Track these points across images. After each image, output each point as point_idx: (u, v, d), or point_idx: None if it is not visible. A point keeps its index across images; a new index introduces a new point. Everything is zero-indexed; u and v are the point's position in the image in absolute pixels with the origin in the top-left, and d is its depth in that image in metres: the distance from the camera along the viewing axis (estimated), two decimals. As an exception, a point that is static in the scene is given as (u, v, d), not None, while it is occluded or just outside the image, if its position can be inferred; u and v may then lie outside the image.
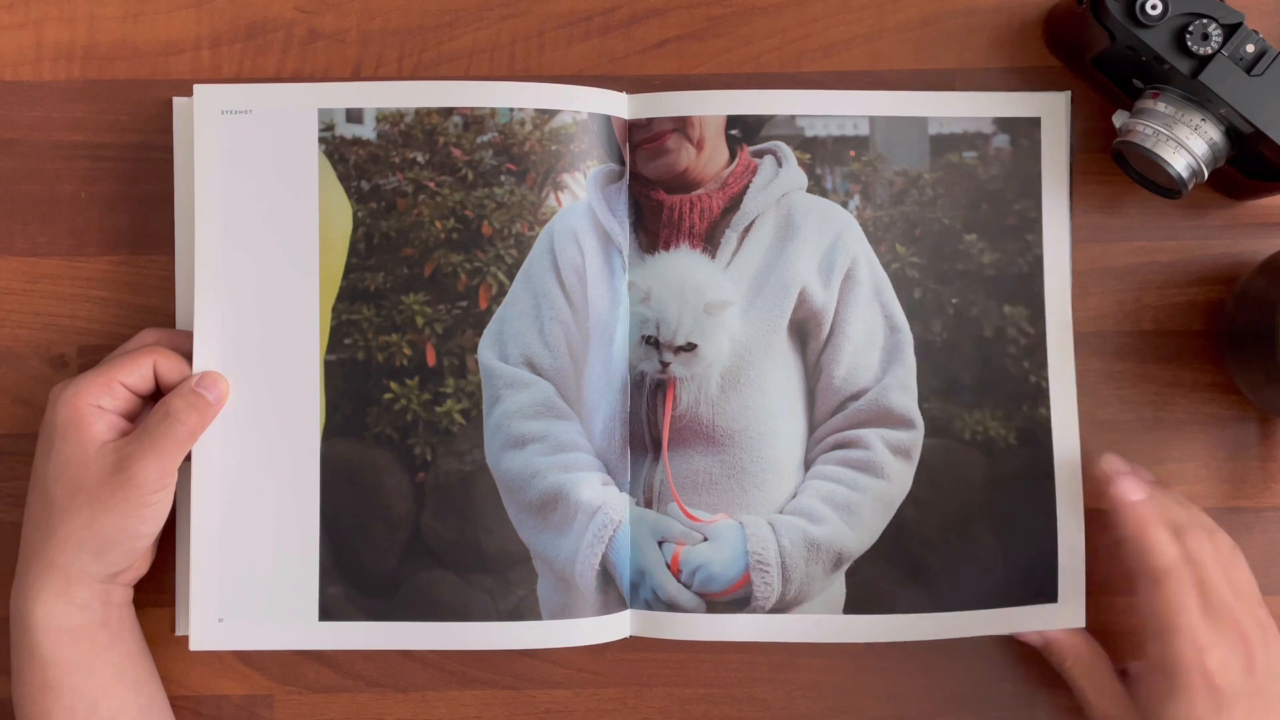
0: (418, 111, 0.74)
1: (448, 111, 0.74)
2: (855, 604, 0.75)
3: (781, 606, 0.75)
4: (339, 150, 0.75)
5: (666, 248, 0.75)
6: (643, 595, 0.75)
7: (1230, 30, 0.69)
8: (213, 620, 0.74)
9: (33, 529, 0.70)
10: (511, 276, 0.74)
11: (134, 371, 0.71)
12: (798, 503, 0.75)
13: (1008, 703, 0.77)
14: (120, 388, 0.71)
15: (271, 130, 0.75)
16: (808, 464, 0.75)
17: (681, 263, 0.75)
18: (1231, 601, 0.68)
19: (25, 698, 0.70)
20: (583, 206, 0.75)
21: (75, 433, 0.69)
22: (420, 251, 0.75)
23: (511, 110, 0.74)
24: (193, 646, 0.74)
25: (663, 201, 0.75)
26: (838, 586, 0.75)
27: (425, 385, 0.75)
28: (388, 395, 0.75)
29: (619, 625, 0.76)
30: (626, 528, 0.75)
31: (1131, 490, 0.70)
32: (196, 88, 0.74)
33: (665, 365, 0.75)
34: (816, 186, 0.76)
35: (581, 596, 0.74)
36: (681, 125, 0.75)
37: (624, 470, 0.75)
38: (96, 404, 0.70)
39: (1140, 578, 0.69)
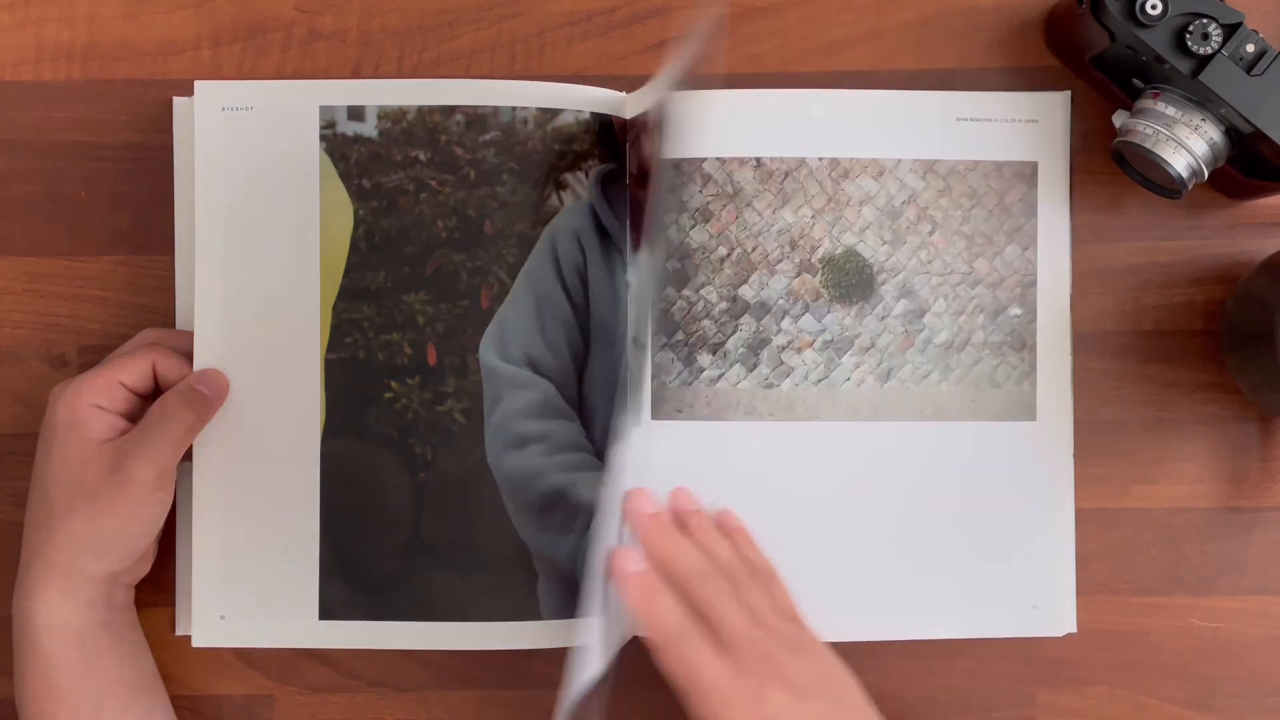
0: (420, 109, 0.74)
1: (450, 110, 0.74)
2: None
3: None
4: (340, 148, 0.75)
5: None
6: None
7: (1230, 30, 0.69)
8: (215, 617, 0.74)
9: (33, 529, 0.70)
10: (513, 276, 0.74)
11: (134, 371, 0.71)
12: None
13: (1008, 703, 0.77)
14: (120, 387, 0.71)
15: (272, 127, 0.74)
16: None
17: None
18: (748, 631, 0.67)
19: (28, 698, 0.70)
20: (584, 206, 0.75)
21: (75, 433, 0.69)
22: (421, 250, 0.75)
23: (514, 109, 0.74)
24: (195, 643, 0.74)
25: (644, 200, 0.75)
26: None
27: (426, 384, 0.75)
28: (388, 394, 0.75)
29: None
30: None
31: (630, 563, 0.69)
32: (198, 84, 0.74)
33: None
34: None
35: (582, 596, 0.74)
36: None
37: (624, 470, 0.76)
38: (96, 404, 0.70)
39: (651, 646, 0.68)
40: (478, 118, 0.74)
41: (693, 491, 0.74)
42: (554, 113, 0.74)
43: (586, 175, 0.75)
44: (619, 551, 0.70)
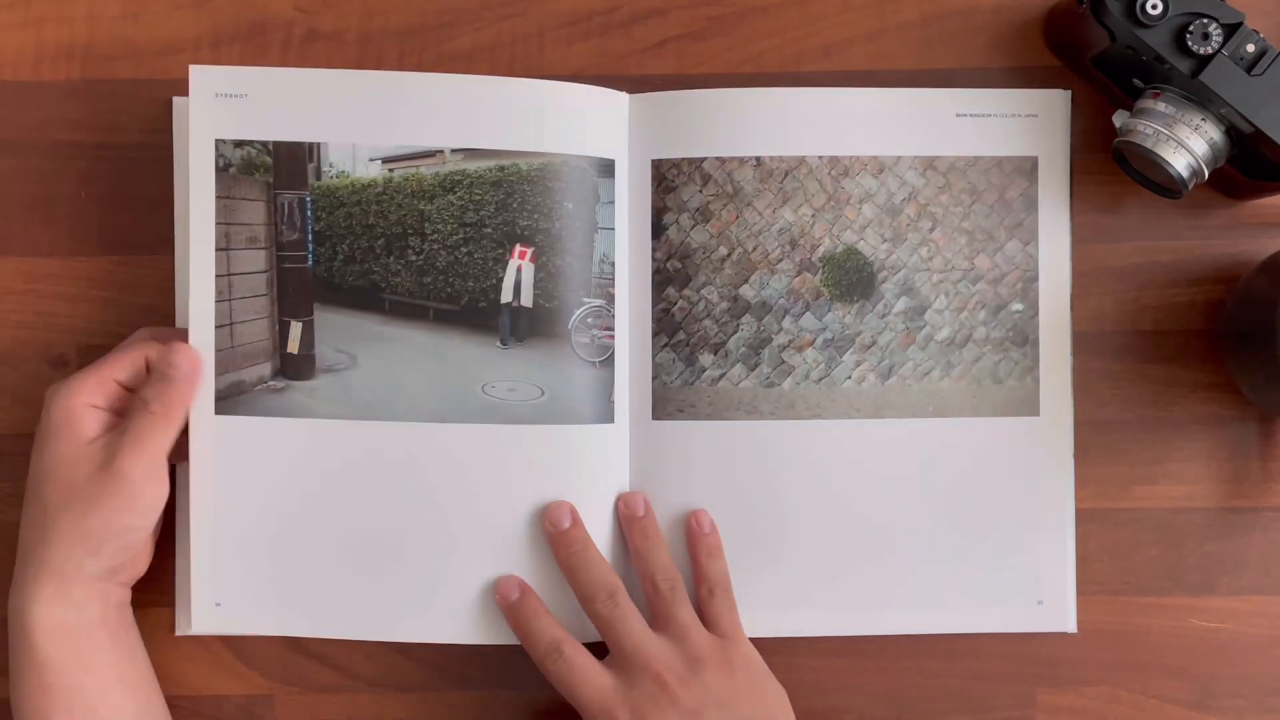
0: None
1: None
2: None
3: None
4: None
5: None
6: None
7: (1230, 30, 0.69)
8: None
9: (28, 529, 0.70)
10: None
11: (127, 367, 0.71)
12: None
13: (1007, 703, 0.77)
14: (113, 385, 0.71)
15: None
16: None
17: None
18: (643, 648, 0.70)
19: (23, 698, 0.69)
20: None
21: (67, 431, 0.69)
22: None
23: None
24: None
25: None
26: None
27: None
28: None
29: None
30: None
31: (511, 590, 0.74)
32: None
33: None
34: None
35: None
36: None
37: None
38: (90, 402, 0.70)
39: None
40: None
41: (644, 498, 0.75)
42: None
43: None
44: (503, 580, 0.74)
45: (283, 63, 0.78)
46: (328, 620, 0.75)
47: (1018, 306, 0.76)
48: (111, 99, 0.78)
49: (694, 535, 0.75)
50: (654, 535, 0.74)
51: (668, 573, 0.73)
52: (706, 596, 0.74)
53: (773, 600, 0.76)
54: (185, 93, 0.76)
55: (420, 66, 0.78)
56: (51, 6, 0.78)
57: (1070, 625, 0.76)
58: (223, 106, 0.73)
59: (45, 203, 0.78)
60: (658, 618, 0.73)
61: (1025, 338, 0.76)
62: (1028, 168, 0.76)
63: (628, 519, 0.75)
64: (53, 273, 0.78)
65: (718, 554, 0.75)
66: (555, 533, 0.73)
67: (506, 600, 0.73)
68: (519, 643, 0.74)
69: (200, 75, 0.73)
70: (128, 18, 0.78)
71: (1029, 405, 0.76)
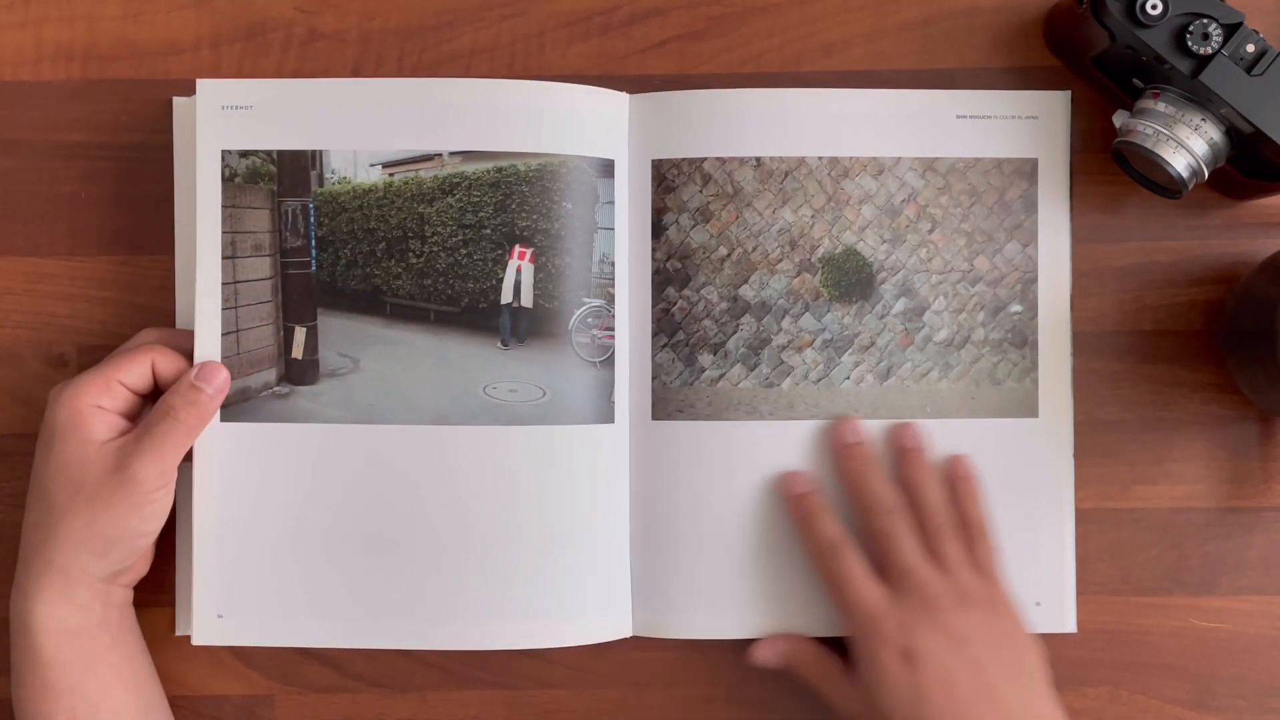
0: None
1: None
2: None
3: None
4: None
5: None
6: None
7: (1230, 30, 0.69)
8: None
9: (33, 529, 0.70)
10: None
11: (133, 370, 0.71)
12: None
13: (1008, 702, 0.77)
14: (119, 387, 0.71)
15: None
16: None
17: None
18: (919, 569, 0.71)
19: (25, 699, 0.70)
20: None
21: (75, 433, 0.69)
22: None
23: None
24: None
25: None
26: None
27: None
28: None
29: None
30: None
31: (797, 485, 0.74)
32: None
33: None
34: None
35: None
36: None
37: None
38: (96, 404, 0.70)
39: (811, 561, 0.74)
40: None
41: (917, 430, 0.75)
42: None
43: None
44: (789, 474, 0.75)
45: (283, 63, 0.78)
46: (330, 629, 0.75)
47: (1017, 308, 0.76)
48: (111, 99, 0.78)
49: (956, 479, 0.75)
50: (926, 470, 0.75)
51: (938, 508, 0.74)
52: (971, 540, 0.73)
53: (771, 601, 0.76)
54: (185, 93, 0.76)
55: (420, 66, 0.78)
56: (51, 6, 0.78)
57: (1069, 626, 0.76)
58: (229, 118, 0.74)
59: (45, 203, 0.78)
60: (927, 552, 0.73)
61: (1024, 339, 0.76)
62: (1028, 169, 0.76)
63: (900, 450, 0.75)
64: (53, 273, 0.78)
65: (980, 498, 0.75)
66: (842, 445, 0.75)
67: (791, 491, 0.75)
68: (520, 646, 0.74)
69: (207, 89, 0.74)
70: (128, 18, 0.78)
71: (1028, 407, 0.76)
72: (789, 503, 0.75)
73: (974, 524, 0.74)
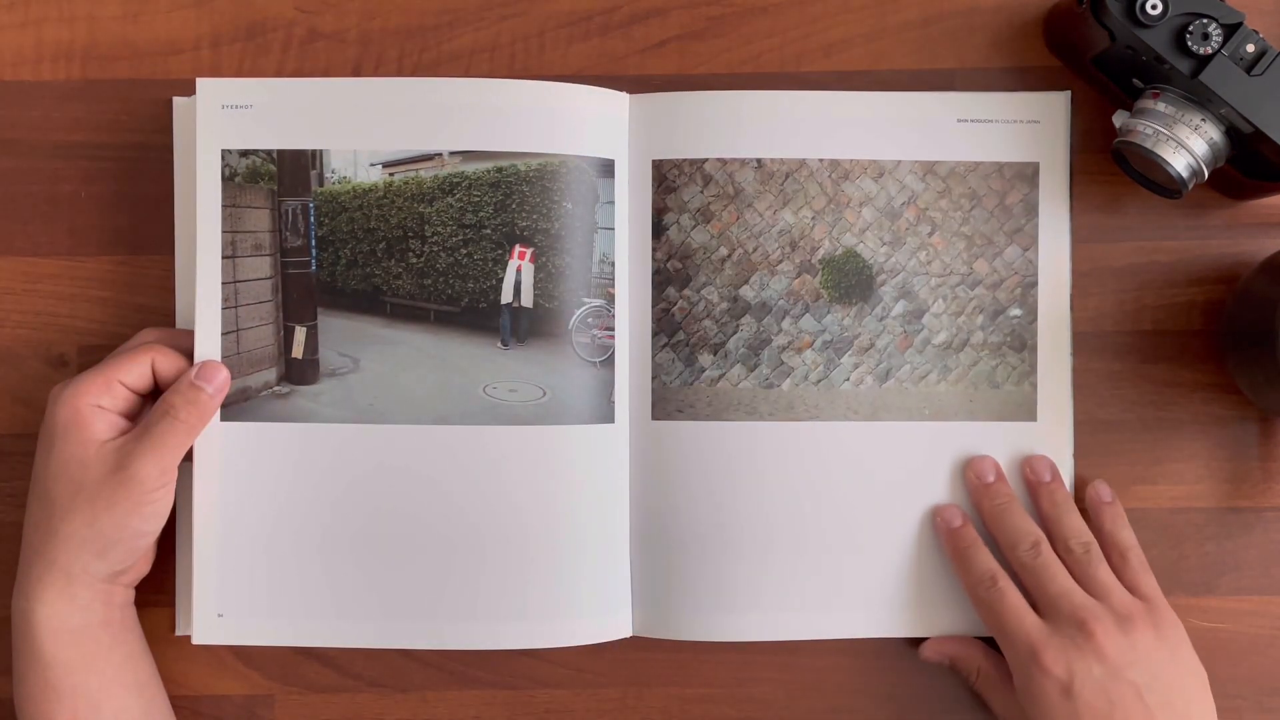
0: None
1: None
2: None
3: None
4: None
5: None
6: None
7: (1230, 30, 0.69)
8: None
9: (34, 529, 0.70)
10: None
11: (133, 370, 0.71)
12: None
13: (1008, 702, 0.77)
14: (119, 387, 0.71)
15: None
16: None
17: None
18: (1071, 596, 0.71)
19: (27, 699, 0.70)
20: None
21: (75, 432, 0.69)
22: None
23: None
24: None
25: None
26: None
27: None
28: (389, 394, 0.75)
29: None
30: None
31: (951, 518, 0.75)
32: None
33: None
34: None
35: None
36: None
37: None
38: (96, 403, 0.70)
39: (967, 594, 0.74)
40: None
41: (1051, 462, 0.76)
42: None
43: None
44: (944, 507, 0.76)
45: (283, 63, 0.78)
46: (330, 628, 0.75)
47: (1016, 312, 0.76)
48: (111, 99, 0.78)
49: (1097, 505, 0.75)
50: (1063, 500, 0.75)
51: (1081, 536, 0.73)
52: (1120, 562, 0.73)
53: (770, 602, 0.76)
54: (185, 93, 0.76)
55: (420, 66, 0.78)
56: (51, 6, 0.78)
57: None
58: (229, 118, 0.74)
59: (45, 203, 0.78)
60: (1075, 580, 0.72)
61: (1023, 343, 0.76)
62: (1029, 173, 0.76)
63: (1035, 484, 0.75)
64: (53, 273, 0.78)
65: (1123, 520, 0.75)
66: (980, 484, 0.75)
67: (948, 526, 0.75)
68: (520, 646, 0.74)
69: (207, 88, 0.74)
70: (128, 18, 0.78)
71: (1026, 410, 0.76)
72: (944, 535, 0.75)
73: (1122, 546, 0.74)
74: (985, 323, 0.76)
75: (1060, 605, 0.70)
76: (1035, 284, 0.76)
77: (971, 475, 0.75)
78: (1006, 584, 0.72)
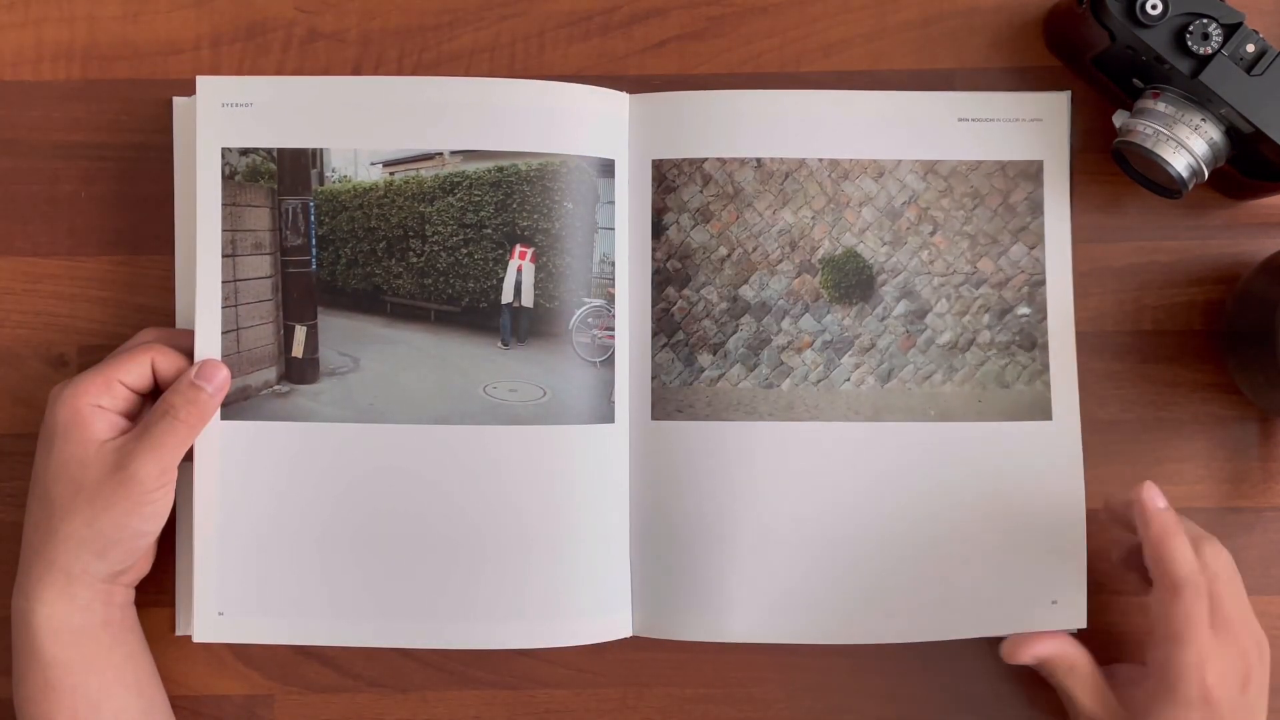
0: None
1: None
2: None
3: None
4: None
5: None
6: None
7: (1230, 30, 0.69)
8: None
9: (34, 529, 0.70)
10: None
11: (133, 370, 0.71)
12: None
13: (1008, 703, 0.77)
14: (120, 386, 0.71)
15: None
16: None
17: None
18: (1237, 618, 0.69)
19: (27, 699, 0.70)
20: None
21: (75, 432, 0.69)
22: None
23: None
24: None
25: None
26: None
27: (426, 384, 0.75)
28: (389, 394, 0.75)
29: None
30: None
31: (1156, 498, 0.71)
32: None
33: None
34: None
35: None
36: None
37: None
38: (96, 403, 0.70)
39: (1158, 585, 0.70)
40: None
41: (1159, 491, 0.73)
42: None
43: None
44: (1147, 484, 0.71)
45: (283, 62, 0.78)
46: (330, 628, 0.75)
47: (1024, 310, 0.76)
48: (111, 99, 0.78)
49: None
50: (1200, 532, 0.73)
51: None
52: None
53: (770, 602, 0.76)
54: (185, 93, 0.76)
55: (420, 66, 0.78)
56: (51, 6, 0.78)
57: (1081, 622, 0.75)
58: (229, 116, 0.74)
59: (45, 203, 0.78)
60: None
61: (1033, 342, 0.76)
62: (1033, 171, 0.76)
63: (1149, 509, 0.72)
64: (53, 273, 0.78)
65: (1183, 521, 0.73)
66: (1154, 509, 0.71)
67: (1154, 506, 0.71)
68: (520, 646, 0.75)
69: (207, 86, 0.74)
70: (128, 18, 0.78)
71: (1040, 410, 0.76)
72: (1147, 514, 0.71)
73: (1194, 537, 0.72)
74: (992, 321, 0.76)
75: (1228, 625, 0.69)
76: (1043, 282, 0.76)
77: (1141, 499, 0.71)
78: (1205, 591, 0.69)
